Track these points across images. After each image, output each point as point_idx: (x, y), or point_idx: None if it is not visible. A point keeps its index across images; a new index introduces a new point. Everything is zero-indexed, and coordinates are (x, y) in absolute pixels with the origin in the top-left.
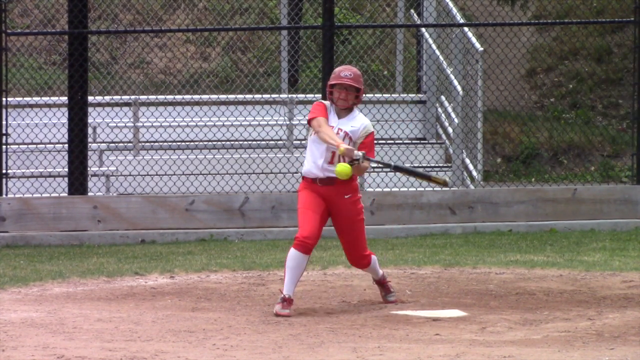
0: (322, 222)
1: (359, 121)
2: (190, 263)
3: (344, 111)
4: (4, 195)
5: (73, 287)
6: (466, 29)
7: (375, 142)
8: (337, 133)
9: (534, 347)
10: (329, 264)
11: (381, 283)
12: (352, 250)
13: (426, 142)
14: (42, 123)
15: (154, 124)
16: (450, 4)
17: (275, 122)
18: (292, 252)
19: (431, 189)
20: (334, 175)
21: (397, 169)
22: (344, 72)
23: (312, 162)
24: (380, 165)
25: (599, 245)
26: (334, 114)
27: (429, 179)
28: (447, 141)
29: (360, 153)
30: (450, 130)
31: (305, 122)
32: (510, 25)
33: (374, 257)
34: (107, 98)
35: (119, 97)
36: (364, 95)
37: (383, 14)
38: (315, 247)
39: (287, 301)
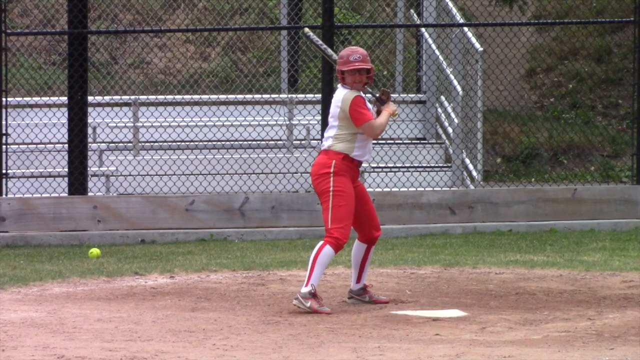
0: None
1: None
2: (190, 263)
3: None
4: (4, 195)
5: (73, 287)
6: (466, 29)
7: (375, 142)
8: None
9: (534, 347)
10: (329, 264)
11: (364, 288)
12: (374, 217)
13: (426, 142)
14: (42, 123)
15: (153, 124)
16: (450, 4)
17: (275, 122)
18: (329, 251)
19: (431, 189)
20: None
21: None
22: (353, 55)
23: (367, 148)
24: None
25: (599, 245)
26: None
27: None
28: (447, 141)
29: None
30: (450, 130)
31: (305, 122)
32: (510, 25)
33: None
34: (107, 98)
35: (118, 97)
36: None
37: (383, 14)
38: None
39: (317, 297)
